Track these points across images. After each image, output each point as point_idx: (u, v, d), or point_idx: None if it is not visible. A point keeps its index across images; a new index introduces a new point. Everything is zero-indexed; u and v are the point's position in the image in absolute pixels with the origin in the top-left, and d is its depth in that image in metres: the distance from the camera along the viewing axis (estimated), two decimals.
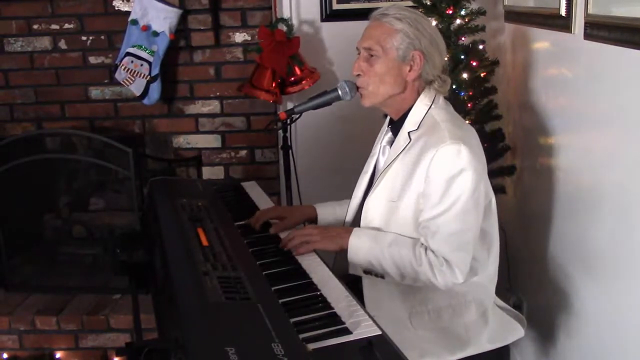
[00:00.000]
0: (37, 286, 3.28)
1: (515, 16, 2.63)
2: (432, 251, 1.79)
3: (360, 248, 1.85)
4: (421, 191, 1.80)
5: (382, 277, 1.86)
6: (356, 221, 2.00)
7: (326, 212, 2.18)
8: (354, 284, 1.83)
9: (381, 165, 1.99)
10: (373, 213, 1.92)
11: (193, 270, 1.58)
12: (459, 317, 1.91)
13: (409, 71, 1.86)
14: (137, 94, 3.15)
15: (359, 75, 1.91)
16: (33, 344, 3.08)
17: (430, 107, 1.88)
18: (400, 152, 1.87)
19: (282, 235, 1.96)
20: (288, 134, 2.36)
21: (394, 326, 1.74)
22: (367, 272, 1.88)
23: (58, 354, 3.08)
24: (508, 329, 1.97)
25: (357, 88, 1.94)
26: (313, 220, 2.17)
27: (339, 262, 1.97)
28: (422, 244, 1.82)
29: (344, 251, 1.88)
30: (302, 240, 1.88)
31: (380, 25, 1.86)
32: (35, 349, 3.09)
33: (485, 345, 1.91)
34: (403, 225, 1.86)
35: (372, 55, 1.87)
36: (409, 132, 1.87)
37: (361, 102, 1.95)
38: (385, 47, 1.84)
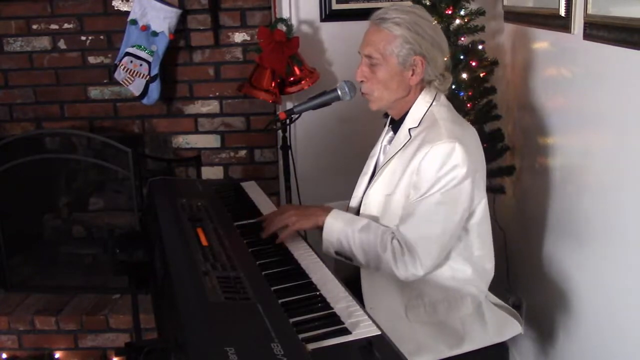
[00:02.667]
0: (36, 286, 3.28)
1: (514, 16, 2.63)
2: (398, 239, 1.81)
3: (334, 228, 1.88)
4: (412, 184, 1.82)
5: (351, 260, 1.88)
6: None
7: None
8: (353, 284, 1.84)
9: (381, 162, 2.01)
10: (371, 207, 1.95)
11: (192, 270, 1.58)
12: (455, 311, 1.91)
13: (412, 76, 1.87)
14: (137, 94, 3.15)
15: (362, 81, 1.91)
16: (32, 344, 3.08)
17: (431, 104, 1.89)
18: (400, 149, 1.88)
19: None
20: (287, 134, 2.36)
21: (390, 319, 1.76)
22: (338, 253, 1.90)
23: (57, 354, 3.08)
24: (505, 325, 1.98)
25: (362, 93, 1.95)
26: None
27: (339, 263, 1.98)
28: (392, 232, 1.83)
29: (319, 229, 1.91)
30: (281, 224, 1.91)
31: (379, 31, 1.86)
32: (35, 349, 3.09)
33: (483, 340, 1.91)
34: (395, 217, 1.87)
35: (373, 63, 1.87)
36: (409, 129, 1.89)
37: (369, 107, 1.96)
38: (385, 54, 1.85)
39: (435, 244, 1.81)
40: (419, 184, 1.80)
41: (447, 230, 1.81)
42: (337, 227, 1.88)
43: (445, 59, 1.92)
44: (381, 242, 1.81)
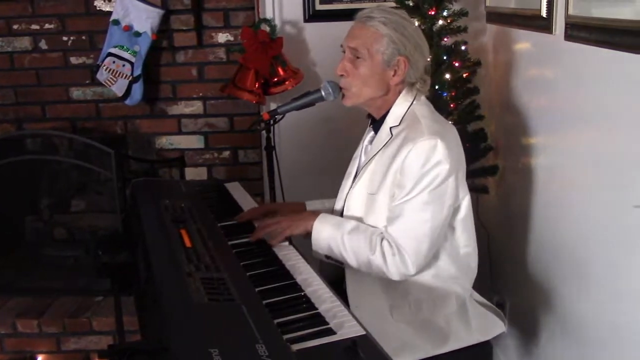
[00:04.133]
0: (18, 289, 3.24)
1: (497, 17, 2.64)
2: (388, 240, 1.81)
3: (323, 233, 1.88)
4: (396, 182, 1.83)
5: (342, 263, 1.89)
6: None
7: (315, 208, 2.19)
8: (337, 284, 1.84)
9: (362, 162, 2.01)
10: (355, 207, 1.96)
11: (176, 272, 1.57)
12: (440, 310, 1.92)
13: (393, 76, 1.87)
14: (119, 94, 3.13)
15: (342, 75, 1.91)
16: (14, 347, 3.05)
17: (412, 103, 1.90)
18: (382, 147, 1.89)
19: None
20: (271, 135, 2.36)
21: (375, 319, 1.76)
22: (329, 257, 1.91)
23: (40, 357, 3.05)
24: (489, 324, 1.99)
25: (340, 88, 1.95)
26: None
27: (325, 265, 1.98)
28: (381, 233, 1.84)
29: (309, 234, 1.91)
30: (271, 229, 1.91)
31: (365, 28, 1.86)
32: (17, 352, 3.06)
33: (467, 338, 1.92)
34: (379, 217, 1.88)
35: (357, 57, 1.87)
36: (390, 128, 1.89)
37: (343, 102, 1.96)
38: (371, 51, 1.85)
39: (425, 243, 1.81)
40: (403, 182, 1.81)
41: (435, 228, 1.82)
42: (325, 231, 1.88)
43: (426, 62, 1.93)
44: (370, 244, 1.82)
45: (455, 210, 1.89)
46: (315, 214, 1.93)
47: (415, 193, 1.79)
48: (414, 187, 1.79)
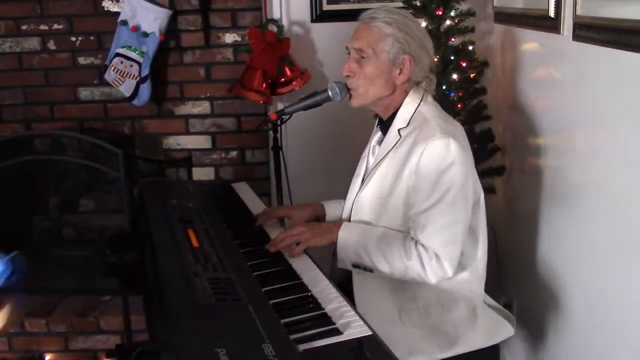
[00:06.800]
0: (26, 288, 3.25)
1: (504, 17, 2.64)
2: (422, 245, 1.80)
3: (349, 241, 1.87)
4: (411, 185, 1.82)
5: (371, 271, 1.87)
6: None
7: (334, 208, 2.19)
8: (344, 285, 1.84)
9: (371, 164, 2.00)
10: (364, 210, 1.94)
11: (183, 272, 1.58)
12: (448, 315, 1.91)
13: (399, 74, 1.87)
14: (127, 94, 3.14)
15: (348, 76, 1.92)
16: (22, 346, 3.06)
17: (419, 104, 1.90)
18: (391, 149, 1.88)
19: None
20: (278, 135, 2.36)
21: (383, 323, 1.74)
22: (356, 265, 1.89)
23: (48, 357, 3.06)
24: (497, 328, 1.98)
25: (348, 89, 1.95)
26: (321, 218, 2.18)
27: (335, 267, 1.97)
28: (412, 237, 1.83)
29: (334, 245, 1.89)
30: (292, 240, 1.88)
31: (369, 29, 1.87)
32: (25, 351, 3.07)
33: (475, 343, 1.92)
34: (393, 220, 1.87)
35: (362, 57, 1.87)
36: (398, 129, 1.89)
37: (350, 102, 1.96)
38: (376, 51, 1.86)
39: (458, 244, 1.82)
40: (419, 184, 1.80)
41: (465, 226, 1.84)
42: (352, 240, 1.86)
43: (431, 60, 1.93)
44: (405, 250, 1.81)
45: (474, 208, 1.89)
46: (337, 224, 1.92)
47: (438, 197, 1.78)
48: (434, 191, 1.78)
